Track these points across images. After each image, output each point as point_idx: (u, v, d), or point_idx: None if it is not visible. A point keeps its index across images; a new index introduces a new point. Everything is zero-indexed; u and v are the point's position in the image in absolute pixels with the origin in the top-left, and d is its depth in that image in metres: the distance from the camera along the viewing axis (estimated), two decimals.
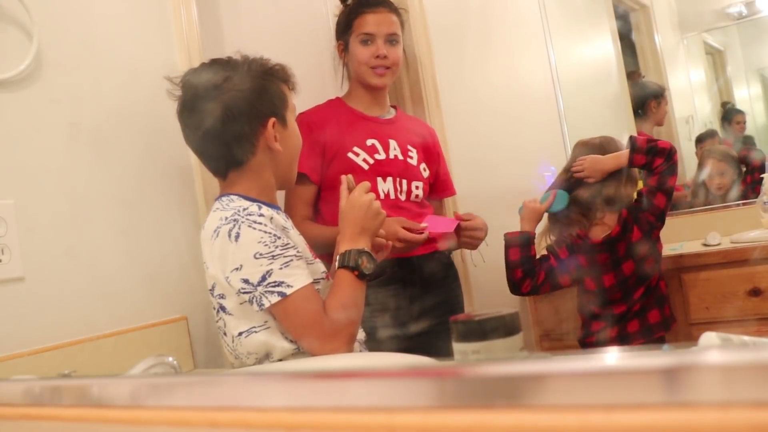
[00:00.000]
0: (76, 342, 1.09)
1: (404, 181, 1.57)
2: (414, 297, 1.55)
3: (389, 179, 1.55)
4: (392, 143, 1.58)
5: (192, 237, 1.29)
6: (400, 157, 1.58)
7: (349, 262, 1.10)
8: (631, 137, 1.73)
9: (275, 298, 1.03)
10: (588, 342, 1.78)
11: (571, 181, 1.78)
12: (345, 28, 1.61)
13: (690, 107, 2.70)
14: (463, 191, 1.78)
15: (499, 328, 0.56)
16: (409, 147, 1.61)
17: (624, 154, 1.70)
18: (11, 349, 1.02)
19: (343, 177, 1.19)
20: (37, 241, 1.08)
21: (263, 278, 1.03)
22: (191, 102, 1.14)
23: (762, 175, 2.04)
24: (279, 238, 1.06)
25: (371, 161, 1.54)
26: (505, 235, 1.76)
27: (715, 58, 2.73)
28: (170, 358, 0.98)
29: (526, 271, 1.75)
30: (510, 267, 1.75)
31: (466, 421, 0.33)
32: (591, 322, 1.77)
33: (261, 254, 1.04)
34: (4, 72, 1.07)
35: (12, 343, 1.02)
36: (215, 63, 1.18)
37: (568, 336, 2.01)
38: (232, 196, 1.12)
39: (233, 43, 1.47)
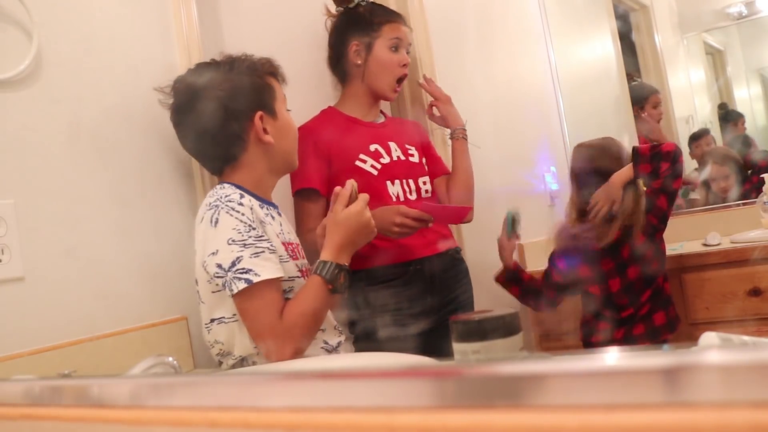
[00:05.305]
0: (76, 342, 1.09)
1: (411, 181, 1.57)
2: (435, 295, 1.56)
3: (397, 182, 1.55)
4: (392, 145, 1.58)
5: (192, 237, 1.29)
6: (402, 158, 1.58)
7: (327, 274, 1.10)
8: (633, 148, 1.71)
9: (242, 285, 1.04)
10: (593, 344, 1.78)
11: (578, 186, 1.78)
12: (367, 29, 1.59)
13: (690, 107, 2.70)
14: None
15: (499, 328, 0.56)
16: (407, 146, 1.61)
17: (628, 168, 1.69)
18: (11, 349, 1.02)
19: (349, 182, 1.17)
20: (37, 241, 1.08)
21: (233, 264, 1.05)
22: (180, 106, 1.18)
23: (763, 175, 2.04)
24: (254, 229, 1.08)
25: (379, 166, 1.53)
26: (495, 279, 1.86)
27: (715, 58, 2.73)
28: (170, 358, 0.98)
29: (533, 298, 1.84)
30: (519, 299, 1.85)
31: (466, 421, 0.33)
32: (597, 326, 1.77)
33: (234, 240, 1.06)
34: (4, 72, 1.07)
35: (12, 343, 1.02)
36: (201, 66, 1.22)
37: (568, 336, 2.01)
38: (224, 184, 1.15)
39: (233, 43, 1.47)
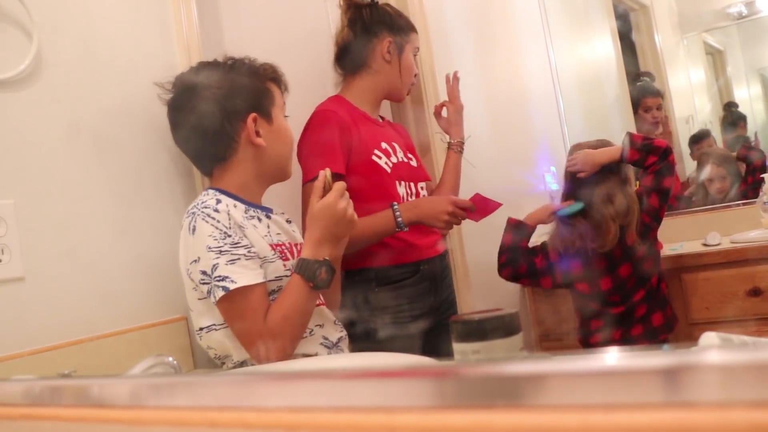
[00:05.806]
0: (76, 342, 1.09)
1: (412, 184, 1.56)
2: (437, 295, 1.56)
3: (403, 183, 1.53)
4: (396, 146, 1.56)
5: None
6: (405, 160, 1.57)
7: (305, 272, 1.07)
8: (627, 133, 1.73)
9: (220, 293, 1.04)
10: (591, 345, 1.77)
11: (573, 185, 1.78)
12: (400, 31, 1.58)
13: (690, 107, 2.70)
14: (463, 191, 1.78)
15: (499, 328, 0.56)
16: (406, 150, 1.61)
17: (617, 148, 1.70)
18: (11, 349, 1.02)
19: (322, 172, 1.12)
20: (37, 241, 1.08)
21: (212, 270, 1.05)
22: (176, 102, 1.18)
23: (762, 175, 2.04)
24: (229, 236, 1.07)
25: (390, 164, 1.51)
26: (508, 218, 1.81)
27: (715, 58, 2.73)
28: (170, 358, 0.98)
29: (509, 258, 1.81)
30: (499, 249, 1.82)
31: (466, 421, 0.33)
32: (591, 326, 1.77)
33: (211, 248, 1.06)
34: (4, 72, 1.07)
35: (12, 343, 1.02)
36: (202, 65, 1.22)
37: (568, 336, 2.01)
38: (209, 190, 1.15)
39: (233, 43, 1.47)
